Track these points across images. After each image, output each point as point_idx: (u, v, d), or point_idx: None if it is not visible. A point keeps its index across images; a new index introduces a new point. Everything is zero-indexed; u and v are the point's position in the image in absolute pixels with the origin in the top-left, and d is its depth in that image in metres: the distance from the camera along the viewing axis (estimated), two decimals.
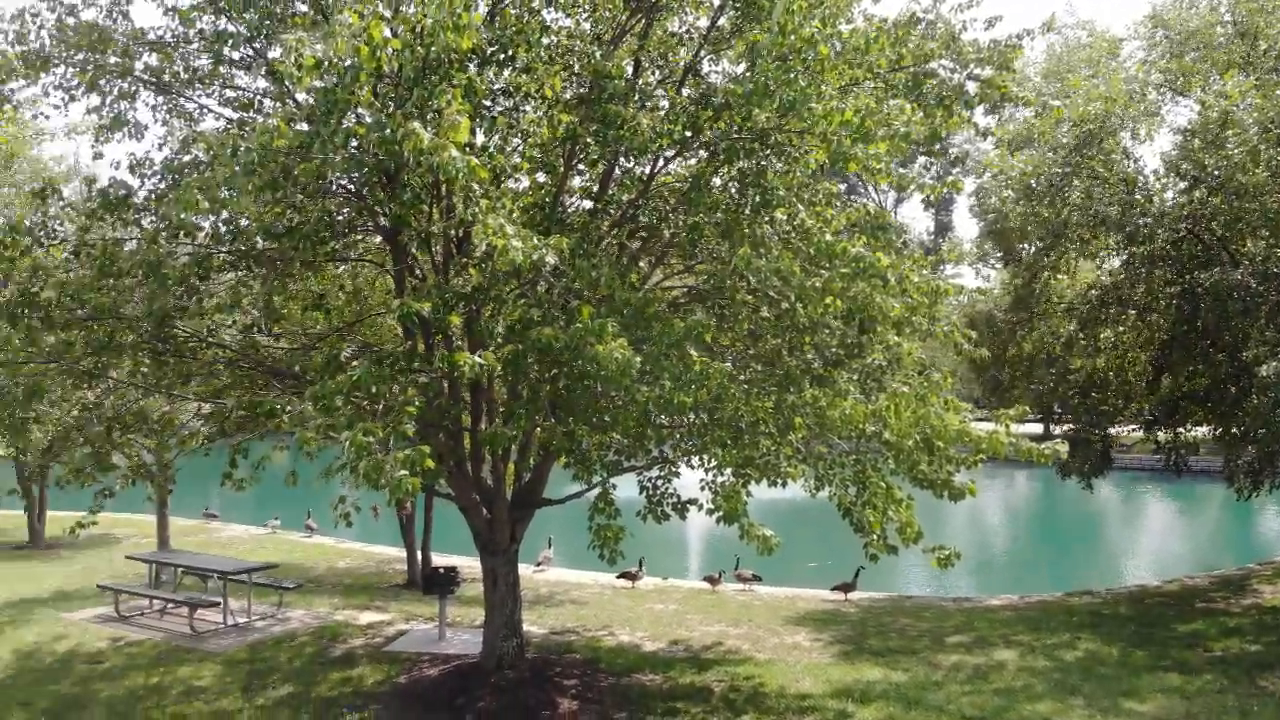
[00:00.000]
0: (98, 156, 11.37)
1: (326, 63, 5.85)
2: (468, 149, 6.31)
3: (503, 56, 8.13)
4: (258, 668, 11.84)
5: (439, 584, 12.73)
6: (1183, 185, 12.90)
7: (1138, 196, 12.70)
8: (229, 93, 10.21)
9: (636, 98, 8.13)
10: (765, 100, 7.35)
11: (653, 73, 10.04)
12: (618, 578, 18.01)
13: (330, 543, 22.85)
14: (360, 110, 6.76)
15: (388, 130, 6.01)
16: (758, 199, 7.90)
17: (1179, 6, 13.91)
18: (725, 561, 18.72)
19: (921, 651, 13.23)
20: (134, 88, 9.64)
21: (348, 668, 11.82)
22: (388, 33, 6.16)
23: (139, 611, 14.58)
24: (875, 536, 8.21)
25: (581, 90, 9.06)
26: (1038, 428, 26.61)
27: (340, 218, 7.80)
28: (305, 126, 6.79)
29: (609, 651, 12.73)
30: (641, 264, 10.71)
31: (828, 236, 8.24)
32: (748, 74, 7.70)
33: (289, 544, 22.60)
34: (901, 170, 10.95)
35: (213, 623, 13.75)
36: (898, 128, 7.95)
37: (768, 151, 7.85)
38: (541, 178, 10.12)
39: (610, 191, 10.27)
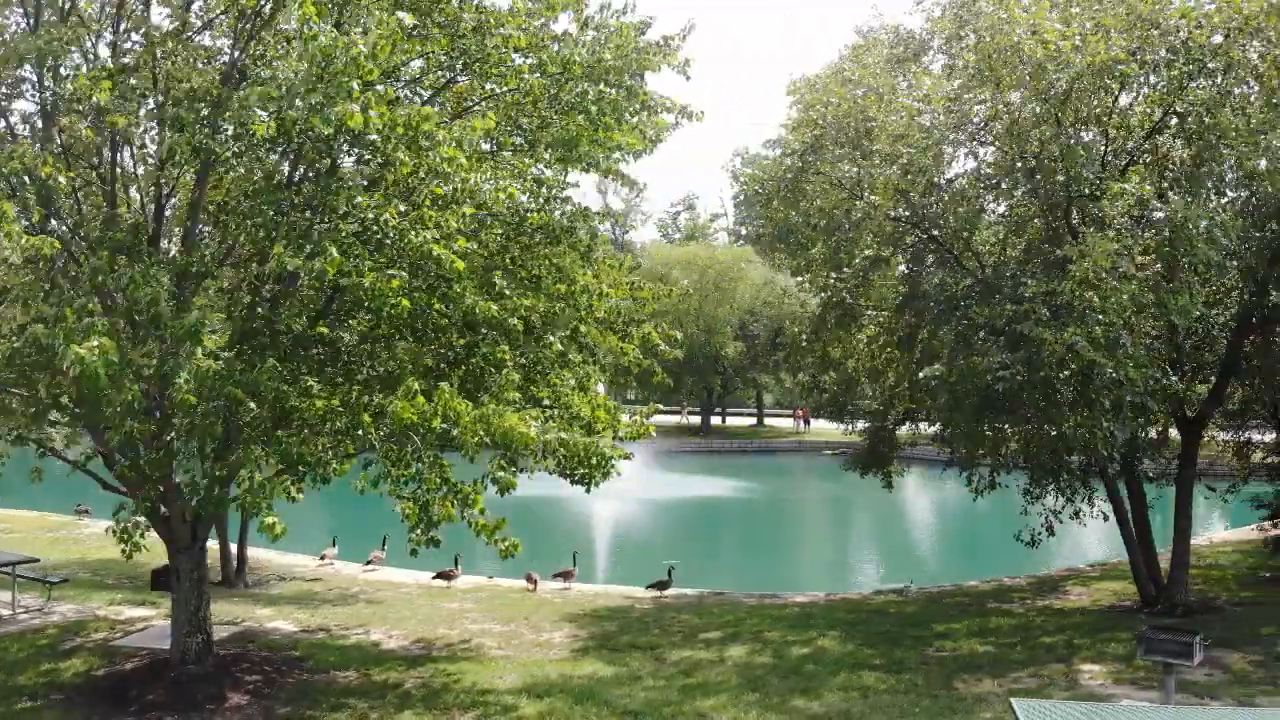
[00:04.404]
0: None
1: None
2: None
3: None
4: None
5: (165, 580, 12.94)
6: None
7: (858, 200, 12.81)
8: None
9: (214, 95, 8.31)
10: (293, 105, 7.54)
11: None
12: (434, 577, 18.13)
13: None
14: None
15: None
16: (317, 198, 8.09)
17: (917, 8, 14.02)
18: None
19: (661, 648, 13.34)
20: None
21: (62, 660, 12.03)
22: None
23: None
24: (418, 531, 8.35)
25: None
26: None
27: None
28: None
29: (335, 650, 12.86)
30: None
31: (412, 236, 8.41)
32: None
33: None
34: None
35: None
36: (458, 134, 8.14)
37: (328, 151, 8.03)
38: None
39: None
